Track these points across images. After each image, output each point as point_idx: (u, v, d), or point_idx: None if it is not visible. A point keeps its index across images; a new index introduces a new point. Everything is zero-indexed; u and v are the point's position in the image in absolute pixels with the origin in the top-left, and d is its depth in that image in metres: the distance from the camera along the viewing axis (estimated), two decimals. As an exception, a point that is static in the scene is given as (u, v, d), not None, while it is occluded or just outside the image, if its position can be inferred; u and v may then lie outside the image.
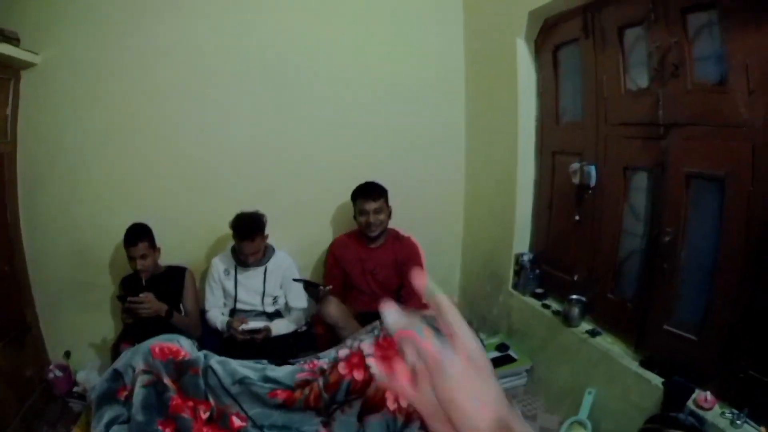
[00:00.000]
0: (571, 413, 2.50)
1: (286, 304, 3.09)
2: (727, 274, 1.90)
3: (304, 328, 3.11)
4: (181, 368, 2.18)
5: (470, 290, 3.32)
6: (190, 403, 2.13)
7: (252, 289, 3.02)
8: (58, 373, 3.05)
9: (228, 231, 2.90)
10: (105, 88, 2.95)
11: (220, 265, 3.04)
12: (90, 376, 3.07)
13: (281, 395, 2.21)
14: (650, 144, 2.20)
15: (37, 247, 3.02)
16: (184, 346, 2.26)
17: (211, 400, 2.16)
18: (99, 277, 3.15)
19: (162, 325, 2.70)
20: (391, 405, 2.17)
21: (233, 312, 3.02)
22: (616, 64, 2.32)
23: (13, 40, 2.62)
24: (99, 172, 3.04)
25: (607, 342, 2.45)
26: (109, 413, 2.12)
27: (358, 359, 2.29)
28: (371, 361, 2.28)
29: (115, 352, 2.86)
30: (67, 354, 3.17)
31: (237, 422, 2.14)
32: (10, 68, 2.72)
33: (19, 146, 2.88)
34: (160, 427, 2.04)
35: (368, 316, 2.61)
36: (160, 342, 2.24)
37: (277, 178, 3.28)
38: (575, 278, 2.72)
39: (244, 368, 2.27)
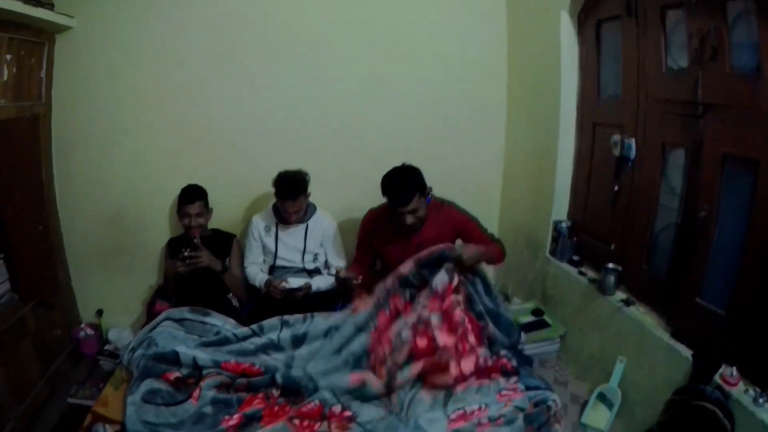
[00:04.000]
0: (600, 381, 2.62)
1: (326, 261, 3.20)
2: (756, 254, 1.95)
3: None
4: (254, 384, 2.36)
5: (507, 255, 3.45)
6: (261, 395, 2.30)
7: (293, 246, 3.11)
8: (89, 332, 3.17)
9: (267, 190, 3.00)
10: (140, 53, 3.06)
11: (260, 222, 3.12)
12: (122, 334, 3.21)
13: (355, 379, 2.38)
14: (688, 122, 2.24)
15: (71, 208, 3.18)
16: (256, 365, 2.41)
17: (280, 380, 2.33)
18: (132, 239, 3.33)
19: (211, 283, 2.88)
20: (453, 370, 2.34)
21: (273, 269, 3.13)
22: (657, 43, 2.33)
23: (46, 4, 2.68)
24: (134, 135, 3.17)
25: (639, 312, 2.53)
26: (148, 386, 2.26)
27: (423, 327, 2.47)
28: (437, 332, 2.46)
29: (150, 310, 3.03)
30: (99, 312, 3.32)
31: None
32: (44, 32, 2.79)
33: (54, 109, 3.01)
34: (224, 421, 2.19)
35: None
36: (234, 358, 2.40)
37: (318, 142, 3.39)
38: (612, 247, 2.82)
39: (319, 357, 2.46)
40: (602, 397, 2.57)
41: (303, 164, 3.04)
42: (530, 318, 3.06)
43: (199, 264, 2.81)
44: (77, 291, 3.33)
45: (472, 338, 2.51)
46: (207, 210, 3.04)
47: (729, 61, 1.94)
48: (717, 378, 2.04)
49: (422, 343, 2.45)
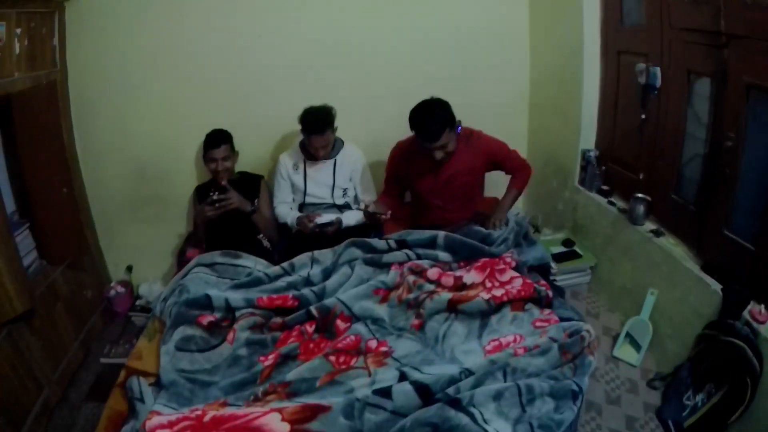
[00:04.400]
0: (631, 313, 2.68)
1: (356, 196, 3.17)
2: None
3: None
4: (289, 313, 2.36)
5: (535, 185, 3.44)
6: (296, 332, 2.30)
7: (322, 182, 3.07)
8: (120, 290, 3.18)
9: (293, 128, 2.95)
10: (150, 6, 2.99)
11: (288, 160, 3.07)
12: (153, 288, 3.26)
13: (381, 293, 2.43)
14: (712, 52, 2.15)
15: (95, 167, 3.20)
16: (293, 294, 2.41)
17: (315, 314, 2.30)
18: (159, 190, 3.34)
19: (241, 225, 2.90)
20: (485, 296, 2.30)
21: (302, 206, 3.12)
22: (678, -31, 2.22)
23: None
24: (151, 89, 3.12)
25: (669, 243, 2.55)
26: (181, 333, 2.22)
27: (447, 271, 2.53)
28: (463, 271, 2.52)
29: (181, 259, 3.03)
30: (129, 268, 3.36)
31: (342, 325, 2.28)
32: (53, 1, 2.75)
33: (70, 73, 2.98)
34: (260, 360, 2.16)
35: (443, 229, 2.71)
36: (267, 295, 2.40)
37: (342, 77, 3.30)
38: (640, 177, 2.81)
39: (348, 285, 2.48)
40: (633, 330, 2.65)
41: (327, 100, 2.98)
42: (561, 249, 3.13)
43: (229, 206, 2.79)
44: (106, 250, 3.37)
45: (501, 272, 2.50)
46: (233, 153, 3.02)
47: (750, -9, 1.85)
48: (746, 314, 2.06)
49: (448, 281, 2.48)
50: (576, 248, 3.12)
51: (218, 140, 2.94)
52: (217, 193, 2.79)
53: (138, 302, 3.26)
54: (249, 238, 2.99)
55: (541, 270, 2.70)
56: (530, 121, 3.67)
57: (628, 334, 2.66)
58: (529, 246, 2.79)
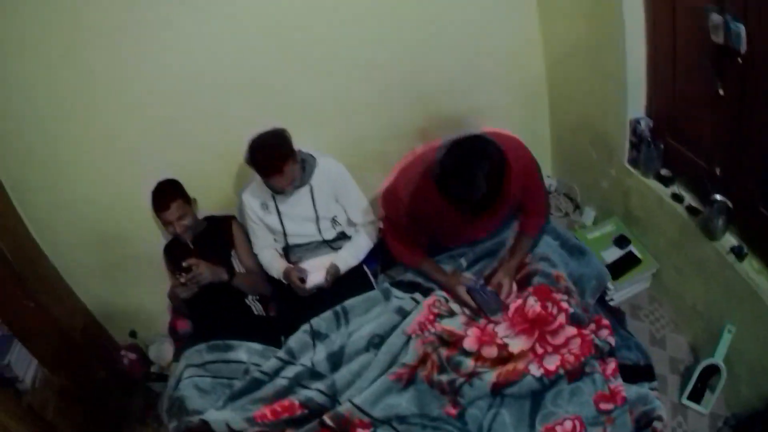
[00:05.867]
0: (702, 340, 2.16)
1: (349, 220, 2.57)
2: None
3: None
4: (299, 422, 2.04)
5: (565, 150, 2.68)
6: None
7: (301, 217, 2.48)
8: (131, 356, 2.91)
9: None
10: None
11: (252, 201, 2.50)
12: (161, 349, 2.93)
13: (402, 374, 2.01)
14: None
15: (55, 244, 2.69)
16: (300, 399, 2.05)
17: (330, 423, 1.98)
18: (126, 250, 2.79)
19: (224, 290, 2.46)
20: (535, 372, 1.89)
21: (287, 249, 2.59)
22: None
23: None
24: (79, 144, 2.49)
25: (753, 269, 1.85)
26: None
27: (488, 337, 2.02)
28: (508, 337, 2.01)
29: (174, 332, 2.75)
30: (133, 334, 3.00)
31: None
32: None
33: None
34: None
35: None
36: (271, 405, 2.05)
37: (301, 72, 2.54)
38: (717, 171, 1.97)
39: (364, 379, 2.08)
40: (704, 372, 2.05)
41: (286, 104, 2.48)
42: (614, 250, 2.41)
43: (201, 283, 2.39)
44: (104, 322, 2.97)
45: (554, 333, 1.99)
46: (188, 205, 2.50)
47: None
48: None
49: (490, 352, 1.99)
50: (632, 248, 2.40)
51: (166, 199, 2.41)
52: (182, 273, 2.33)
53: (153, 369, 2.99)
54: (236, 304, 2.55)
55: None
56: (550, 75, 2.78)
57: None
58: (577, 258, 2.23)
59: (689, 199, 2.13)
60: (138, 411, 2.83)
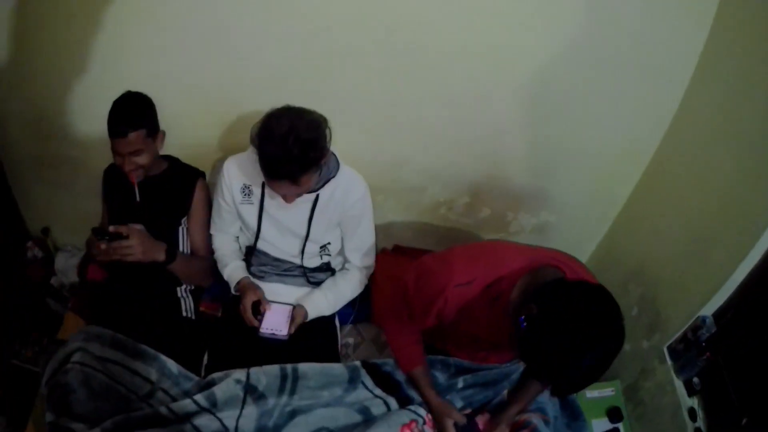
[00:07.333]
0: None
1: (341, 251, 2.11)
2: None
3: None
4: None
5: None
6: None
7: (288, 228, 1.97)
8: (37, 252, 2.70)
9: (262, 105, 1.78)
10: None
11: (235, 177, 1.92)
12: (68, 264, 2.69)
13: None
14: None
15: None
16: None
17: None
18: (63, 149, 2.38)
19: (154, 271, 2.01)
20: None
21: (252, 252, 2.09)
22: None
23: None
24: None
25: None
26: None
27: None
28: None
29: (82, 271, 2.42)
30: (45, 231, 2.77)
31: None
32: None
33: None
34: None
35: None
36: None
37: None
38: (743, 422, 1.79)
39: None
40: None
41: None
42: (604, 423, 2.18)
43: (126, 260, 1.85)
44: (21, 205, 2.69)
45: None
46: (152, 139, 1.92)
47: None
48: None
49: None
50: (620, 428, 2.17)
51: (125, 125, 1.82)
52: (108, 237, 1.81)
53: (53, 280, 2.71)
54: (164, 293, 2.12)
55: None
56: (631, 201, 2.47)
57: None
58: (568, 418, 2.06)
59: (702, 421, 1.95)
60: (26, 324, 2.59)
